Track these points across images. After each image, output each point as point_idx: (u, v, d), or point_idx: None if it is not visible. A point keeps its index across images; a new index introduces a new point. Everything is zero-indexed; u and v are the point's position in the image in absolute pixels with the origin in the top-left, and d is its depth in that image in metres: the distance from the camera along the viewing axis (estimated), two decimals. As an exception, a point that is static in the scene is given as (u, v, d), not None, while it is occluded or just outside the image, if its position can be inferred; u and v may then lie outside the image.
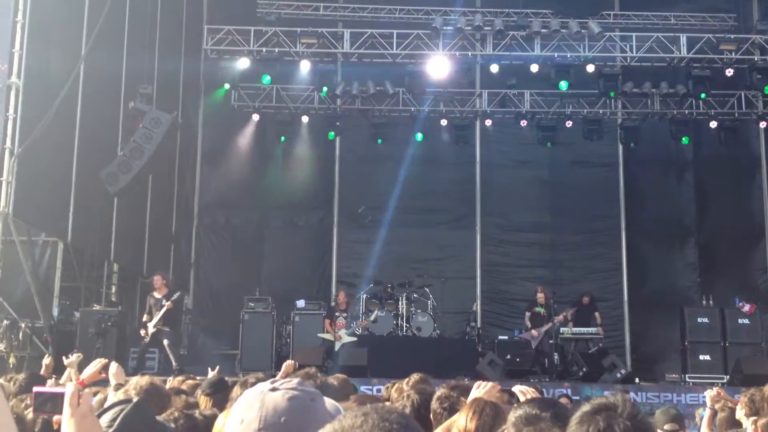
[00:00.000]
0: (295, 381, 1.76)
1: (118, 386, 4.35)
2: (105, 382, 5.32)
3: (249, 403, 1.71)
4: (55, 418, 2.42)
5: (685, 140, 19.01)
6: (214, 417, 3.60)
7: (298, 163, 19.47)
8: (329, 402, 1.81)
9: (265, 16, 17.75)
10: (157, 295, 12.67)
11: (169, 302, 12.36)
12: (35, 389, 2.56)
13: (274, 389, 1.72)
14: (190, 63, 17.61)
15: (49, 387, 2.65)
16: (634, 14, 18.72)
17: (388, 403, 4.24)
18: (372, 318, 15.17)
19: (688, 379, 14.53)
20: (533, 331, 15.16)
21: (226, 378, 6.52)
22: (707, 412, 5.90)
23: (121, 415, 2.67)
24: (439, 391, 4.14)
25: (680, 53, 17.35)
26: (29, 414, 3.21)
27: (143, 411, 2.82)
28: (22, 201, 11.21)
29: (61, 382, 6.33)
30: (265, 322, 15.10)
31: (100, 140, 13.65)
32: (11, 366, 11.07)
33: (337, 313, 14.75)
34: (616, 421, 1.85)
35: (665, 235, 19.63)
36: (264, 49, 17.34)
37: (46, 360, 7.77)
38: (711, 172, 19.56)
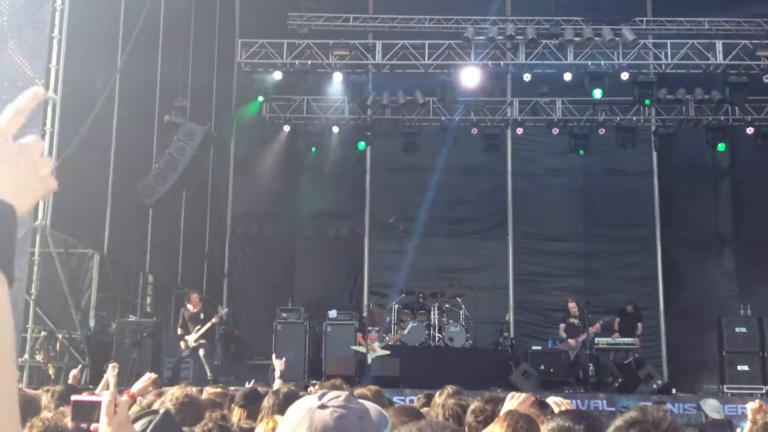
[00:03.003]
0: (343, 397, 1.76)
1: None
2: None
3: (297, 421, 1.70)
4: (93, 426, 2.46)
5: (721, 147, 18.75)
6: (250, 430, 3.62)
7: (329, 173, 19.54)
8: (373, 407, 1.80)
9: (297, 28, 17.88)
10: (191, 308, 12.84)
11: (217, 316, 12.63)
12: (73, 398, 2.60)
13: (322, 407, 1.72)
14: (222, 75, 17.80)
15: (87, 396, 2.70)
16: (667, 20, 18.46)
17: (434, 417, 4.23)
18: (406, 330, 15.15)
19: (726, 390, 14.27)
20: (571, 341, 15.01)
21: (260, 388, 6.56)
22: (748, 425, 5.77)
23: (150, 426, 2.70)
24: (474, 404, 4.10)
25: (716, 60, 17.14)
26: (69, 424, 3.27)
27: (171, 421, 2.85)
28: (60, 214, 11.38)
29: (96, 391, 6.41)
30: (298, 332, 15.14)
31: (136, 153, 13.84)
32: (52, 377, 11.23)
33: (369, 327, 14.75)
34: None
35: (701, 243, 19.35)
36: (297, 62, 17.47)
37: (74, 371, 7.86)
38: (748, 179, 19.25)
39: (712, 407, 10.86)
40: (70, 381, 7.62)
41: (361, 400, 1.82)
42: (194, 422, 3.56)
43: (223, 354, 16.04)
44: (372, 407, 1.81)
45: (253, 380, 7.64)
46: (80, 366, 7.26)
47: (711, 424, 10.71)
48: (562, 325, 15.44)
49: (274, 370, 7.49)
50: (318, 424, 1.68)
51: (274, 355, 7.53)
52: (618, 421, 1.92)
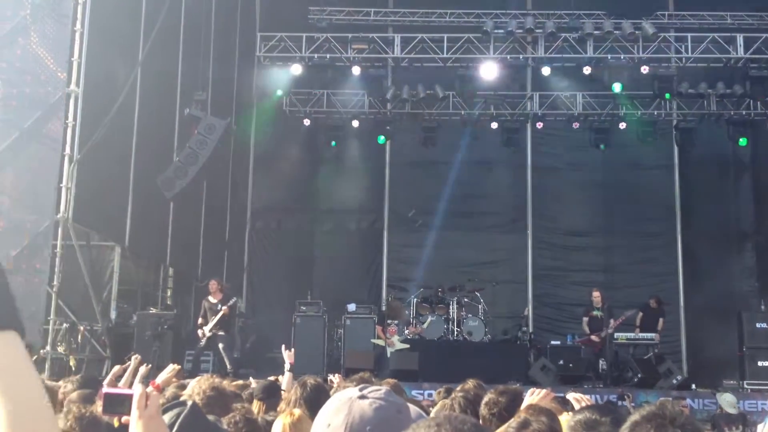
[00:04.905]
0: (383, 390, 1.80)
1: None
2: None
3: (337, 408, 1.75)
4: (123, 418, 2.49)
5: (742, 141, 18.56)
6: (273, 422, 3.65)
7: (348, 167, 19.56)
8: (414, 410, 1.83)
9: (317, 22, 17.90)
10: (212, 299, 12.89)
11: (225, 308, 12.57)
12: (105, 390, 2.63)
13: (362, 397, 1.76)
14: (243, 69, 17.86)
15: (119, 389, 2.73)
16: (689, 14, 18.31)
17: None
18: (425, 325, 15.15)
19: (746, 386, 14.17)
20: (593, 337, 14.90)
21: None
22: (769, 421, 5.73)
23: (179, 420, 2.72)
24: (487, 397, 4.08)
25: (737, 53, 16.98)
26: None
27: (198, 413, 2.87)
28: (82, 206, 11.48)
29: (120, 384, 6.47)
30: (317, 325, 15.18)
31: (157, 146, 13.93)
32: (73, 368, 11.34)
33: (389, 320, 14.77)
34: (665, 429, 1.83)
35: (722, 238, 19.19)
36: (316, 56, 17.50)
37: (131, 365, 7.55)
38: (770, 173, 19.07)
39: (728, 402, 10.80)
40: (111, 374, 7.42)
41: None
42: (221, 414, 3.60)
43: (242, 347, 16.12)
44: (413, 407, 1.85)
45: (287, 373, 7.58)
46: (138, 359, 7.06)
47: (723, 416, 10.66)
48: (585, 319, 15.32)
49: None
50: (356, 412, 1.72)
51: (283, 346, 7.49)
52: (635, 416, 1.92)
